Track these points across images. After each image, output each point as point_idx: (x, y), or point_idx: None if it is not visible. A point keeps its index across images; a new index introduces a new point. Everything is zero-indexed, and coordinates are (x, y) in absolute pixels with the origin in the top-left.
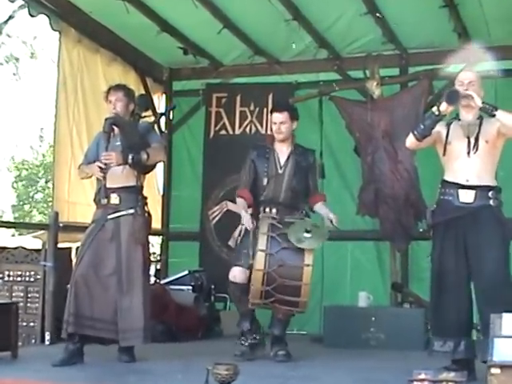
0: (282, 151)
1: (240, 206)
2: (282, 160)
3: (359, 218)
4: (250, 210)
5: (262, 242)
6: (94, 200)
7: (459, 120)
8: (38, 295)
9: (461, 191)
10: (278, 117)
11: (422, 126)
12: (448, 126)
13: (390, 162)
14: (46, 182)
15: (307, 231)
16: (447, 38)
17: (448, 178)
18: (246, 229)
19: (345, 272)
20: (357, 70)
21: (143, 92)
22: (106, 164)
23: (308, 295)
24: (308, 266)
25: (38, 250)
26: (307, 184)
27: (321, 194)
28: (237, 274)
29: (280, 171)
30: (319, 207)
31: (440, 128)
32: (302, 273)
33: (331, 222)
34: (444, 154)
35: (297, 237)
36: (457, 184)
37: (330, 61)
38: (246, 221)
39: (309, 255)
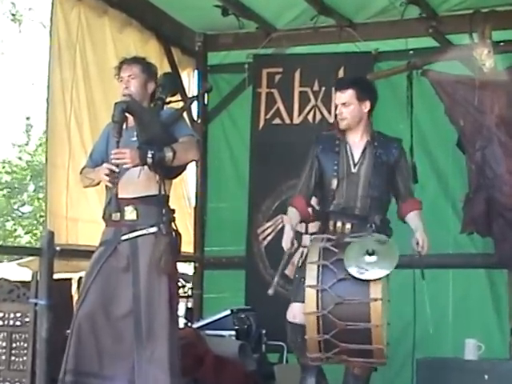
0: (356, 142)
1: (289, 219)
2: (357, 155)
3: (464, 237)
4: (313, 226)
5: (310, 275)
6: (103, 216)
7: None
8: (25, 345)
9: None
10: (338, 96)
11: None
12: None
13: (508, 161)
14: (36, 191)
15: (369, 253)
16: None
17: None
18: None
19: (445, 311)
20: (460, 34)
21: (168, 68)
22: (117, 166)
23: (384, 340)
24: (376, 300)
25: (26, 283)
26: (393, 186)
27: (415, 199)
28: (297, 312)
29: (354, 170)
30: (412, 218)
31: None
32: (370, 311)
33: (417, 244)
34: None
35: (357, 263)
36: None
37: (423, 21)
38: (285, 241)
39: (376, 286)
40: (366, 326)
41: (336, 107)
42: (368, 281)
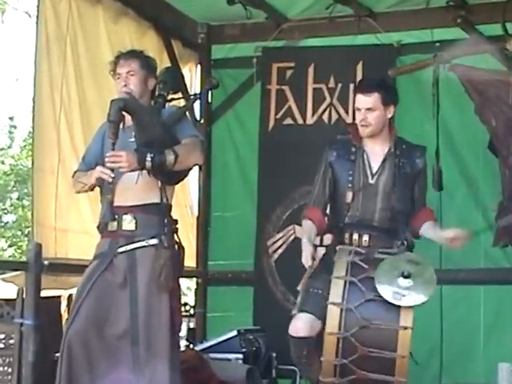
0: (375, 151)
1: (305, 232)
2: (375, 164)
3: (497, 250)
4: (327, 238)
5: (335, 291)
6: (98, 226)
7: None
8: (10, 370)
9: None
10: (362, 100)
11: None
12: None
13: None
14: (20, 198)
15: (405, 276)
16: None
17: None
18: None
19: (476, 332)
20: (492, 24)
21: (168, 62)
22: (112, 170)
23: (407, 373)
24: (406, 329)
25: (10, 301)
26: (412, 198)
27: (428, 208)
28: (302, 324)
29: (371, 181)
30: (427, 229)
31: None
32: (397, 339)
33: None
34: None
35: (391, 286)
36: None
37: (451, 10)
38: (305, 256)
39: (407, 313)
40: (391, 355)
41: (357, 111)
42: (399, 306)
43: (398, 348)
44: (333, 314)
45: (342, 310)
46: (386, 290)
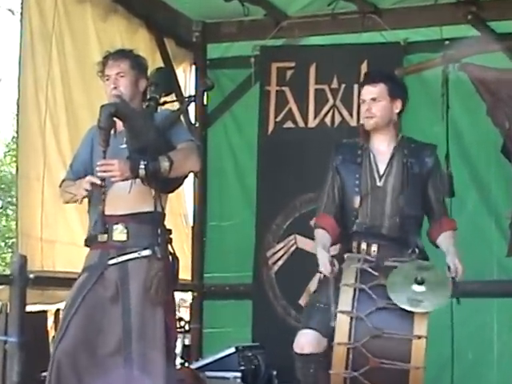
0: (380, 150)
1: (318, 242)
2: (382, 164)
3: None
4: (333, 249)
5: (344, 299)
6: (87, 239)
7: None
8: None
9: None
10: (367, 91)
11: None
12: None
13: None
14: (3, 207)
15: (418, 282)
16: None
17: None
18: (326, 277)
19: (489, 348)
20: (504, 21)
21: (160, 62)
22: (103, 179)
23: None
24: (420, 338)
25: None
26: (425, 201)
27: (449, 219)
28: (307, 341)
29: (379, 183)
30: (442, 240)
31: None
32: (411, 349)
33: (448, 270)
34: None
35: (405, 293)
36: None
37: (461, 6)
38: (323, 264)
39: (422, 321)
40: (405, 366)
41: (362, 104)
42: (413, 314)
43: (412, 359)
44: (342, 323)
45: (351, 319)
46: (400, 298)
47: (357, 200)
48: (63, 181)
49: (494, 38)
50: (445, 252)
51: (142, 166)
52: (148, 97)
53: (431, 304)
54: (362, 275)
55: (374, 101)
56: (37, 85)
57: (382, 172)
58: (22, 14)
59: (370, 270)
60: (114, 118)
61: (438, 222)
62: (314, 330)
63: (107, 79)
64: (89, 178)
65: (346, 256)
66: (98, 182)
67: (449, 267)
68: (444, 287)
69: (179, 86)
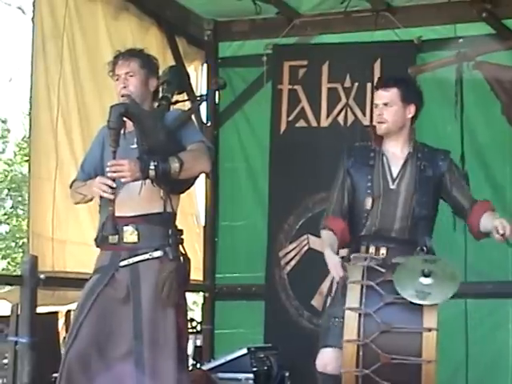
0: (395, 154)
1: (326, 243)
2: (395, 168)
3: None
4: (343, 251)
5: (352, 296)
6: (96, 239)
7: None
8: None
9: None
10: (380, 95)
11: None
12: None
13: None
14: (15, 207)
15: (425, 275)
16: None
17: None
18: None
19: (504, 349)
20: None
21: (172, 61)
22: (113, 180)
23: (435, 380)
24: (430, 330)
25: (4, 318)
26: (453, 204)
27: (483, 201)
28: (328, 360)
29: (392, 186)
30: (485, 224)
31: None
32: (422, 343)
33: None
34: None
35: (411, 285)
36: None
37: (476, 3)
38: (333, 266)
39: (431, 313)
40: (416, 361)
41: (374, 109)
42: (421, 307)
43: (423, 352)
44: (350, 320)
45: (360, 316)
46: (408, 291)
47: (369, 201)
48: (73, 181)
49: (508, 35)
50: (490, 226)
51: (152, 167)
52: (160, 96)
53: (439, 296)
54: (368, 272)
55: (386, 106)
56: (48, 84)
57: (395, 175)
58: (33, 12)
59: (377, 267)
60: (124, 118)
61: (476, 205)
62: (334, 348)
63: (117, 79)
64: (99, 179)
65: (352, 256)
66: (109, 182)
67: (496, 228)
68: (451, 279)
69: (191, 85)
